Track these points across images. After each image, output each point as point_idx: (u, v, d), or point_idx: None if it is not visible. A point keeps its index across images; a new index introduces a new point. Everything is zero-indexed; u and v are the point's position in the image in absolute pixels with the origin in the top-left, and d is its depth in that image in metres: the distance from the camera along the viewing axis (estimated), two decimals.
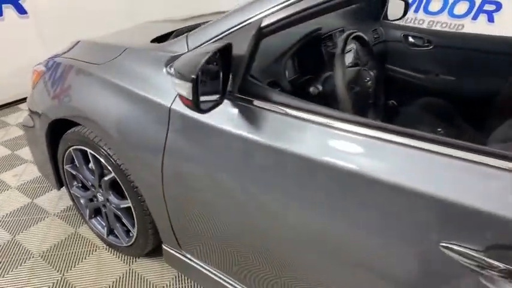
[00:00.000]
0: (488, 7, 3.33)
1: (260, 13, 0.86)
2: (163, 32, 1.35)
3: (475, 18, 3.29)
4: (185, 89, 0.73)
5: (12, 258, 1.51)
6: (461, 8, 3.46)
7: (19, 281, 1.42)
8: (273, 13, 0.84)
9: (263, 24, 0.84)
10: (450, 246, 0.61)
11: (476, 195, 0.60)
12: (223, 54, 0.82)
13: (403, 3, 1.91)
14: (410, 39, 1.89)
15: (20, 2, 2.59)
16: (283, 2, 0.84)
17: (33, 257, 1.52)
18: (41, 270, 1.46)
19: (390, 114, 1.71)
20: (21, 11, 2.62)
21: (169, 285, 1.41)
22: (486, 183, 0.61)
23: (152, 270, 1.47)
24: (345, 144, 0.75)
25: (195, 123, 0.95)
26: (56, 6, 2.74)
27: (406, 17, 1.90)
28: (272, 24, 0.84)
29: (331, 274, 0.85)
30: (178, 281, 1.43)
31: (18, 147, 2.28)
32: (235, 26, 0.91)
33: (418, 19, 4.26)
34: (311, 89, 1.21)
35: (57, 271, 1.46)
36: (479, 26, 3.24)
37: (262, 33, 0.85)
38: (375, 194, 0.70)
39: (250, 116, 0.87)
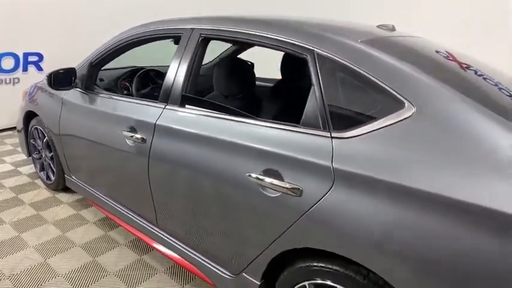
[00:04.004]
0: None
1: (92, 57, 2.19)
2: None
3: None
4: (46, 80, 2.05)
5: None
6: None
7: None
8: (95, 56, 2.16)
9: (91, 61, 2.17)
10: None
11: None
12: (72, 72, 2.14)
13: None
14: None
15: (39, 63, 4.20)
16: (98, 53, 2.15)
17: (5, 189, 2.77)
18: (8, 196, 2.69)
19: None
20: (40, 68, 4.22)
21: None
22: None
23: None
24: (108, 105, 2.00)
25: (69, 102, 2.25)
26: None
27: None
28: (94, 61, 2.16)
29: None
30: None
31: (19, 146, 3.66)
32: (86, 62, 2.23)
33: None
34: (124, 92, 2.52)
35: (16, 195, 2.69)
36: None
37: (92, 65, 2.17)
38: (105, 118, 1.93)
39: (87, 98, 2.16)
